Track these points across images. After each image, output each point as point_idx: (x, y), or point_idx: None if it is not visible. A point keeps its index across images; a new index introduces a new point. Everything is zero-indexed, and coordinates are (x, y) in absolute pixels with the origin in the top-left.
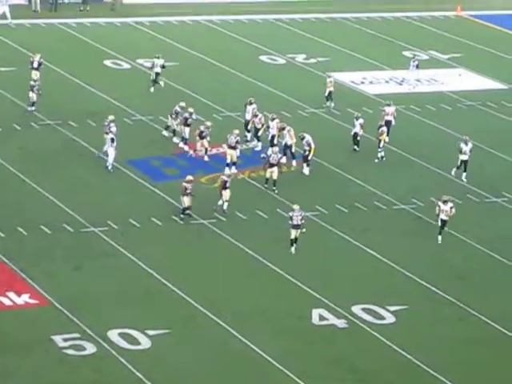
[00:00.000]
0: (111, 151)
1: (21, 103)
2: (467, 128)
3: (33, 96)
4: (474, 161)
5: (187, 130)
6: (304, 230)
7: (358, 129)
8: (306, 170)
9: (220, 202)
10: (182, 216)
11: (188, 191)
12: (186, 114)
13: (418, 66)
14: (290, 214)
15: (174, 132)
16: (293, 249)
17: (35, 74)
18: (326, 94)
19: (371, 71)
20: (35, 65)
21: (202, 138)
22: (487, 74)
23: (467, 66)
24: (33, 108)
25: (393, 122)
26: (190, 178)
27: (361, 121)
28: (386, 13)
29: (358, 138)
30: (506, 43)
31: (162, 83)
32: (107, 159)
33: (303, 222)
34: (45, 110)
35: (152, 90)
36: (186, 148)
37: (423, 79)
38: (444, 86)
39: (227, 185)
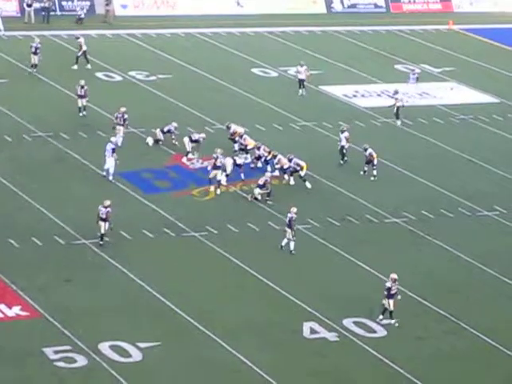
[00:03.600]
0: (110, 161)
1: (12, 115)
2: (459, 141)
3: (81, 101)
4: (465, 174)
5: (190, 142)
6: (399, 296)
7: (343, 142)
8: (308, 184)
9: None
10: (100, 242)
11: (105, 216)
12: (190, 129)
13: (418, 79)
14: (388, 284)
15: (158, 141)
16: (393, 321)
17: (34, 59)
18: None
19: (363, 85)
20: (32, 50)
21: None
22: (479, 87)
23: (459, 80)
24: (84, 113)
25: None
26: (107, 202)
27: (346, 134)
28: (378, 26)
29: (344, 151)
30: (498, 57)
31: (89, 65)
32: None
33: (396, 291)
34: (36, 122)
35: (76, 67)
36: (185, 160)
37: (415, 93)
38: (436, 100)
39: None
